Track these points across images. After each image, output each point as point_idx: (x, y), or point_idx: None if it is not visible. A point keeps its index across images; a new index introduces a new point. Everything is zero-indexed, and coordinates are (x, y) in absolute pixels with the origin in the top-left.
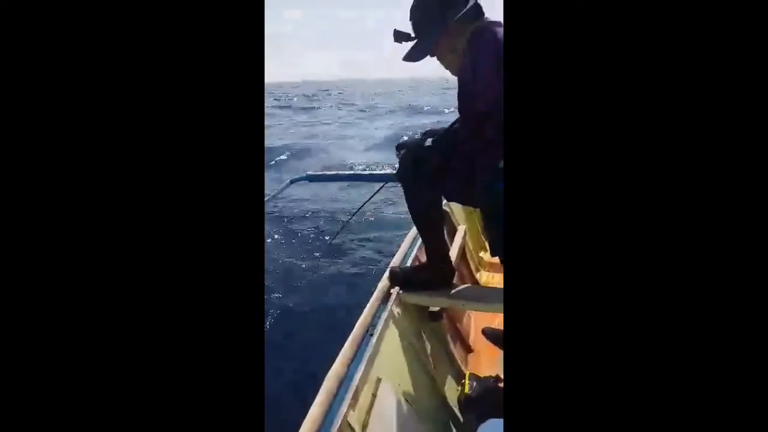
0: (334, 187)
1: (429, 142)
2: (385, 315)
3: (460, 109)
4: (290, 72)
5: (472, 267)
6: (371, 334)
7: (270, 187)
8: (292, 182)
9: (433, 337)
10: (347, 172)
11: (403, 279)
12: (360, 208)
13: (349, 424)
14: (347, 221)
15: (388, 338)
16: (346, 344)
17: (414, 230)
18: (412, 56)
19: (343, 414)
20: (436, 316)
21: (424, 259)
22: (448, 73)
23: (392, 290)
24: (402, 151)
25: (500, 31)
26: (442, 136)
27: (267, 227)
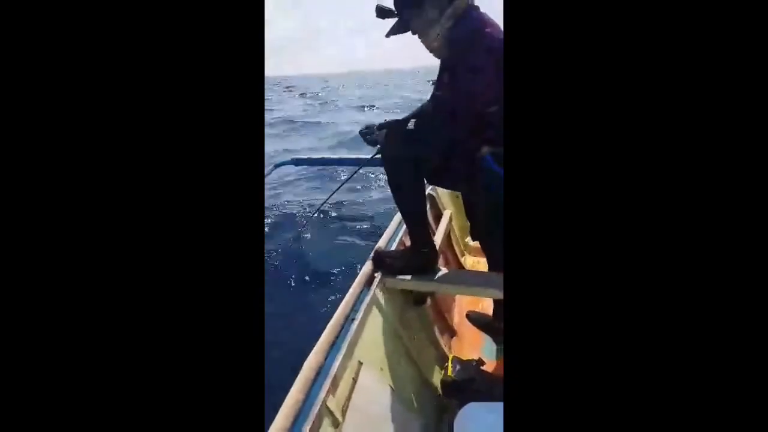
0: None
1: (411, 124)
2: (367, 300)
3: (443, 100)
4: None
5: (457, 251)
6: (353, 319)
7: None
8: (276, 166)
9: (417, 321)
10: (332, 156)
11: (387, 264)
12: (338, 189)
13: (329, 409)
14: (329, 196)
15: (370, 323)
16: (326, 330)
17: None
18: (391, 32)
19: (322, 399)
20: (420, 300)
21: (409, 243)
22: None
23: (376, 275)
24: (384, 131)
25: (482, 19)
26: (423, 121)
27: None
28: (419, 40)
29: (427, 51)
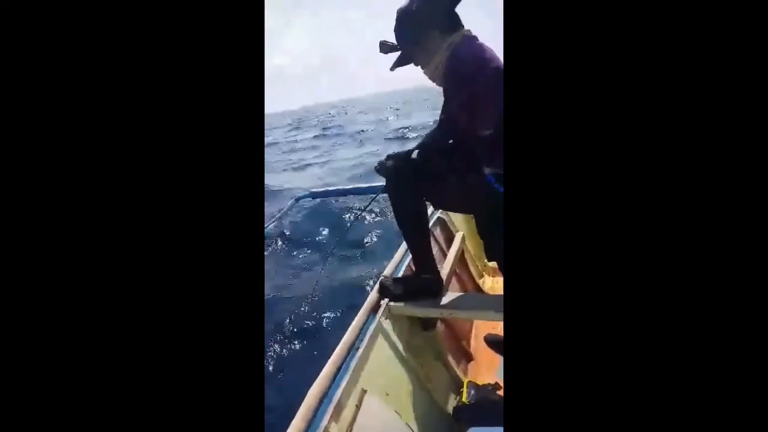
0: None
1: (414, 154)
2: (372, 327)
3: (447, 126)
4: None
5: (474, 273)
6: (357, 348)
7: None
8: (297, 200)
9: (428, 347)
10: (349, 187)
11: (392, 290)
12: (359, 216)
13: None
14: (347, 229)
15: (375, 350)
16: (330, 359)
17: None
18: (395, 65)
19: (324, 426)
20: (428, 326)
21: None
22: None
23: (381, 302)
24: (388, 162)
25: (478, 45)
26: (426, 149)
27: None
28: (422, 71)
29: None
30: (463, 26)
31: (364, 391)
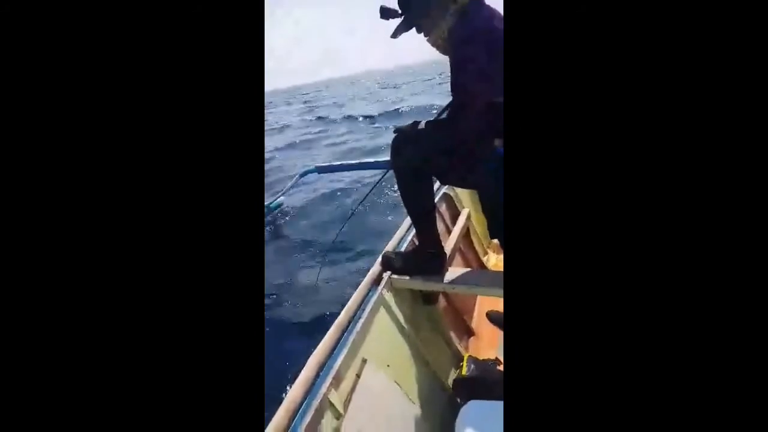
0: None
1: (422, 125)
2: (374, 299)
3: (456, 95)
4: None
5: (478, 250)
6: (358, 318)
7: (282, 182)
8: (302, 175)
9: (429, 320)
10: (355, 161)
11: (395, 264)
12: (367, 195)
13: (330, 402)
14: (355, 209)
15: (376, 322)
16: (331, 329)
17: None
18: (397, 32)
19: (323, 393)
20: (430, 300)
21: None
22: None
23: (384, 275)
24: (394, 136)
25: (487, 13)
26: (434, 121)
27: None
28: (425, 39)
29: (434, 48)
30: None
31: (364, 361)
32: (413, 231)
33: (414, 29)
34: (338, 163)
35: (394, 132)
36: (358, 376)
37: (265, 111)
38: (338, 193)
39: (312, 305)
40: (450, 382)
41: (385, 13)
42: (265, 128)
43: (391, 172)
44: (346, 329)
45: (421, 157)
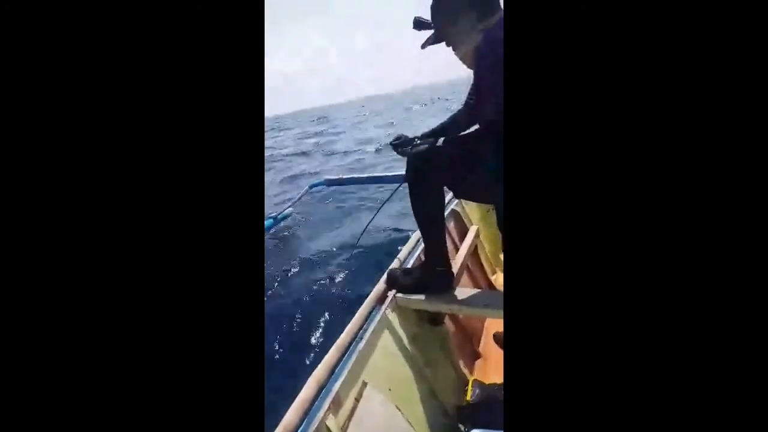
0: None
1: (440, 141)
2: (378, 318)
3: (476, 110)
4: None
5: (487, 269)
6: (360, 338)
7: (291, 194)
8: (311, 188)
9: (434, 342)
10: (364, 175)
11: (399, 281)
12: (380, 209)
13: (328, 428)
14: (369, 222)
15: (379, 343)
16: (331, 350)
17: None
18: (426, 43)
19: (320, 418)
20: (436, 321)
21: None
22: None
23: (389, 293)
24: (412, 150)
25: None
26: (453, 139)
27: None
28: (453, 52)
29: (461, 62)
30: (501, 9)
31: (364, 384)
32: (420, 247)
33: (444, 42)
34: (348, 176)
35: (412, 146)
36: (357, 399)
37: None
38: (347, 206)
39: (317, 320)
40: (454, 407)
41: (419, 24)
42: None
43: (402, 186)
44: (347, 350)
45: (438, 173)
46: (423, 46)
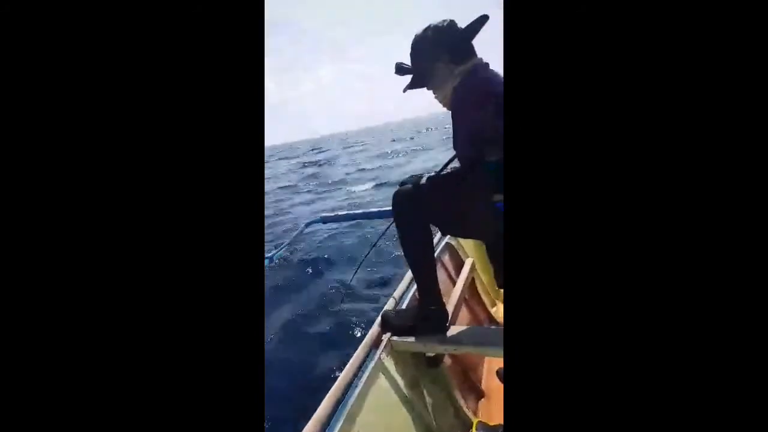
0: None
1: (424, 179)
2: (372, 364)
3: (455, 148)
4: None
5: (486, 301)
6: (355, 387)
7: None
8: (307, 225)
9: (434, 384)
10: (358, 211)
11: (394, 323)
12: (375, 244)
13: None
14: (364, 258)
15: (374, 389)
16: (325, 400)
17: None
18: (409, 87)
19: None
20: (434, 362)
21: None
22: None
23: (383, 336)
24: (398, 189)
25: (485, 76)
26: (435, 176)
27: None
28: (433, 95)
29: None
30: (475, 55)
31: None
32: (414, 288)
33: (424, 86)
34: (344, 212)
35: (400, 184)
36: None
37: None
38: (343, 243)
39: (312, 363)
40: None
41: (400, 69)
42: None
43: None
44: (341, 399)
45: (421, 210)
46: (405, 90)
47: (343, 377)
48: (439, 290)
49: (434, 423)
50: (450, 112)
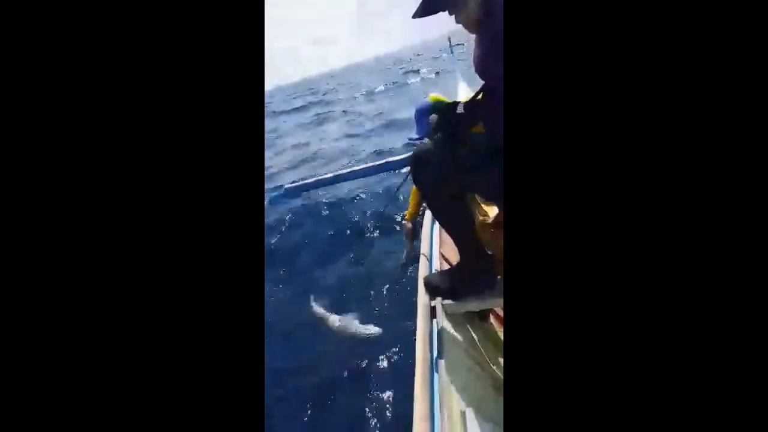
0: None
1: (461, 108)
2: (444, 335)
3: (482, 72)
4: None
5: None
6: (436, 368)
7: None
8: (271, 204)
9: (487, 340)
10: (328, 176)
11: (441, 287)
12: (400, 186)
13: None
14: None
15: (451, 363)
16: (417, 384)
17: (428, 226)
18: (419, 12)
19: None
20: (483, 316)
21: (450, 255)
22: None
23: (433, 303)
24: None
25: None
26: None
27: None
28: (451, 16)
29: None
30: None
31: (463, 414)
32: (437, 242)
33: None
34: (312, 180)
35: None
36: None
37: None
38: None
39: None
40: None
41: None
42: None
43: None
44: (431, 380)
45: (442, 176)
46: (414, 16)
47: (421, 359)
48: (480, 242)
49: (501, 376)
50: (472, 34)
